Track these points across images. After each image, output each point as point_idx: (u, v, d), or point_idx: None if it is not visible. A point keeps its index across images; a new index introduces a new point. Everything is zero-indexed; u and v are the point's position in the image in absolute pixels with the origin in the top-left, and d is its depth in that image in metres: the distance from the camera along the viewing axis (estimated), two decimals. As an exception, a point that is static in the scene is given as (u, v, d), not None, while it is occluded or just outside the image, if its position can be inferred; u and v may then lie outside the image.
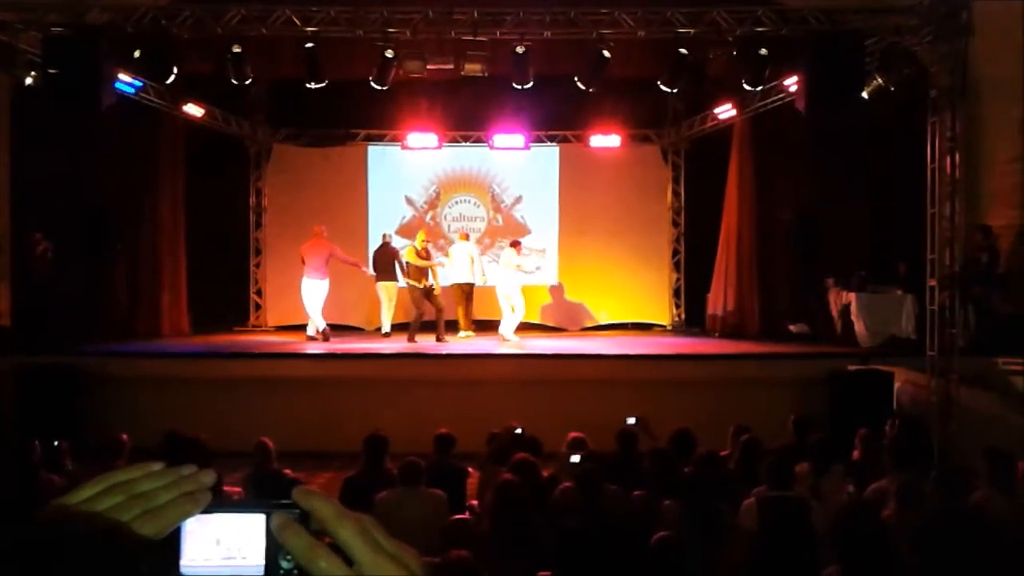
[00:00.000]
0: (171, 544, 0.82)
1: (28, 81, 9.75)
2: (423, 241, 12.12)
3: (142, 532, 0.80)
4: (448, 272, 12.63)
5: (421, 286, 11.87)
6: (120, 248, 12.49)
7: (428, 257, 12.11)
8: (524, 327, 12.62)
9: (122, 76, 10.04)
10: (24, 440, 5.75)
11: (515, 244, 12.67)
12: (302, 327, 12.73)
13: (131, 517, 0.80)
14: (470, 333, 12.49)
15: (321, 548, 0.80)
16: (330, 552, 0.79)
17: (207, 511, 0.83)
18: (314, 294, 12.12)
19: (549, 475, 5.88)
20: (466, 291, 12.54)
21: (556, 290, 14.63)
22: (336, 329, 12.64)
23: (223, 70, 9.71)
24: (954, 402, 8.80)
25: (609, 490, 5.16)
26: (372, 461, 5.89)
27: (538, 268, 13.65)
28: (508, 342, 11.98)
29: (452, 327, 12.40)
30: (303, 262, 12.11)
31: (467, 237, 13.11)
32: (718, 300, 13.31)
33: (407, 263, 11.94)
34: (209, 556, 0.82)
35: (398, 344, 11.77)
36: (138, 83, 10.73)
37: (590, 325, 14.50)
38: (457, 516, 4.69)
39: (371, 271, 12.63)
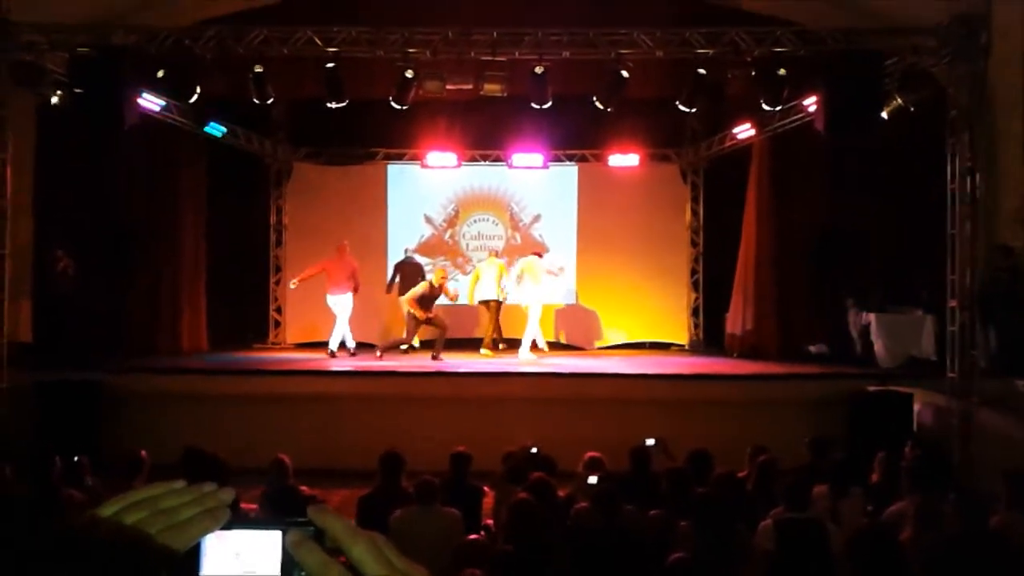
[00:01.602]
0: (192, 558, 0.85)
1: (54, 100, 9.90)
2: (441, 278, 12.12)
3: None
4: (478, 289, 12.73)
5: (423, 316, 11.87)
6: (141, 265, 12.61)
7: (439, 294, 12.10)
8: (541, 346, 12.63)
9: (146, 95, 10.18)
10: (45, 455, 5.79)
11: (536, 254, 12.77)
12: (321, 344, 12.79)
13: (155, 531, 0.83)
14: (488, 352, 12.53)
15: (334, 564, 0.82)
16: (343, 569, 0.82)
17: (226, 527, 0.86)
18: (338, 308, 12.23)
19: (566, 495, 5.87)
20: (492, 308, 12.61)
21: (574, 309, 14.63)
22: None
23: (245, 90, 9.81)
24: (974, 424, 8.72)
25: (625, 510, 5.15)
26: (388, 479, 5.90)
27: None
28: (530, 361, 12.02)
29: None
30: (328, 277, 12.18)
31: (496, 255, 13.19)
32: (736, 320, 13.26)
33: (423, 294, 11.91)
34: (227, 570, 0.85)
35: (417, 361, 11.81)
36: (162, 102, 10.86)
37: (607, 344, 14.48)
38: (471, 536, 4.68)
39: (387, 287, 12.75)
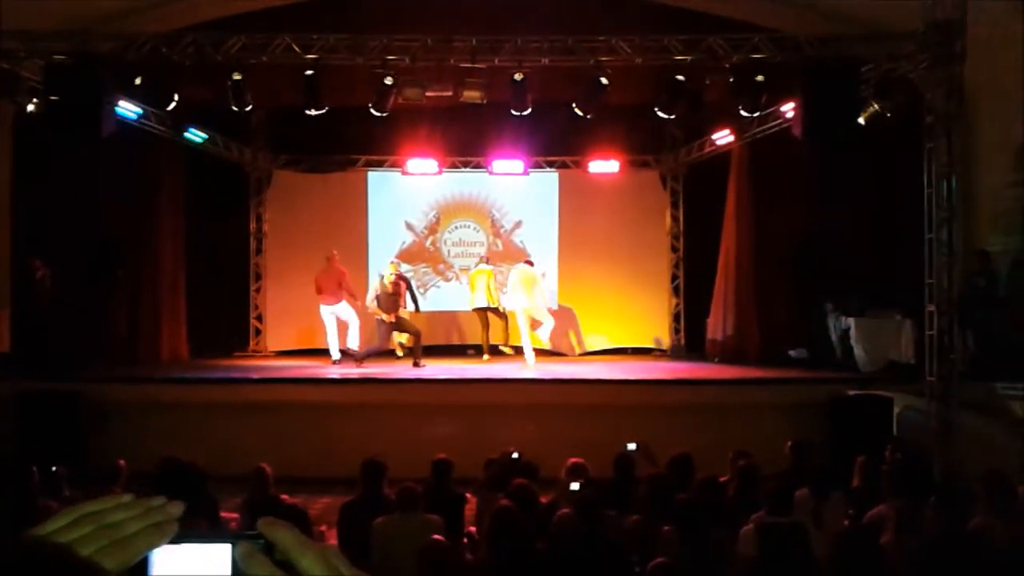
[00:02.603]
0: (139, 574, 0.84)
1: (30, 108, 9.82)
2: (392, 275, 12.05)
3: (110, 562, 0.82)
4: (471, 297, 12.79)
5: (388, 319, 11.79)
6: (120, 273, 12.52)
7: (398, 290, 12.02)
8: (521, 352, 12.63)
9: (123, 103, 10.11)
10: (23, 466, 5.73)
11: (528, 263, 12.81)
12: (302, 352, 12.76)
13: (99, 547, 0.82)
14: (488, 358, 12.58)
15: None
16: None
17: (174, 541, 0.85)
18: (330, 319, 12.23)
19: (548, 501, 5.87)
20: (483, 316, 12.63)
21: (555, 315, 14.59)
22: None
23: (224, 97, 9.77)
24: (954, 427, 8.79)
25: (608, 516, 5.15)
26: (369, 487, 5.87)
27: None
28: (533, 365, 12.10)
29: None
30: (318, 291, 12.16)
31: (486, 261, 13.25)
32: (717, 325, 13.31)
33: (377, 295, 11.85)
34: None
35: (399, 368, 11.79)
36: (139, 110, 10.80)
37: (589, 350, 14.50)
38: (436, 536, 4.66)
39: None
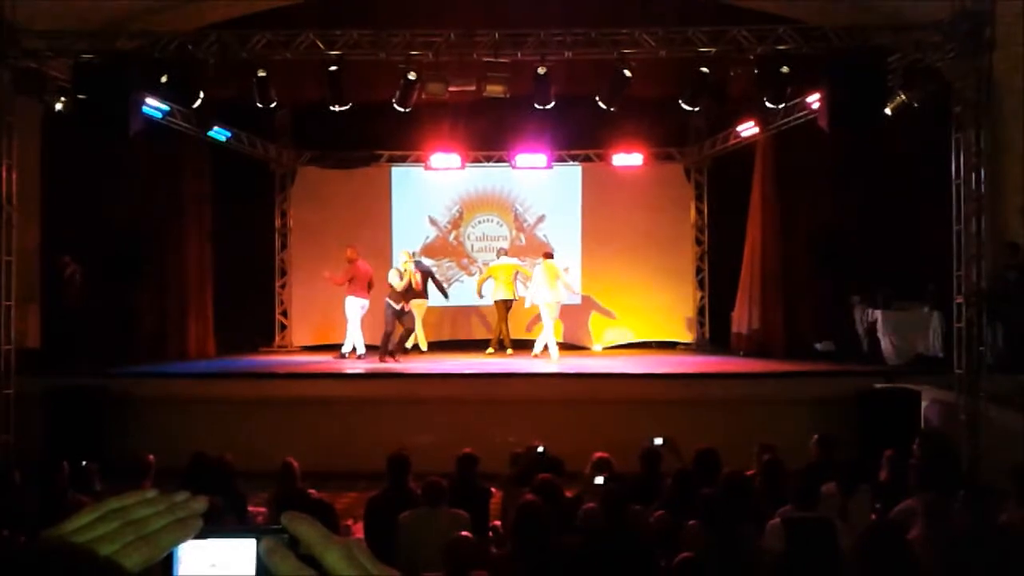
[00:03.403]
0: (165, 569, 0.85)
1: (58, 107, 9.92)
2: (407, 263, 12.19)
3: (136, 557, 0.82)
4: (495, 289, 12.91)
5: (398, 307, 11.95)
6: (148, 270, 12.64)
7: (410, 281, 12.14)
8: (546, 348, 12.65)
9: (149, 101, 10.20)
10: (53, 461, 5.81)
11: (549, 255, 12.79)
12: (328, 347, 12.83)
13: (124, 543, 0.83)
14: (492, 351, 12.61)
15: (307, 571, 0.82)
16: (316, 575, 0.82)
17: (200, 537, 0.86)
18: (358, 313, 12.35)
19: (573, 496, 5.87)
20: (503, 309, 12.74)
21: (579, 309, 14.62)
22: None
23: (248, 94, 9.82)
24: (982, 421, 8.70)
25: (632, 511, 5.14)
26: (395, 481, 5.90)
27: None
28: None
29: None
30: (351, 282, 12.29)
31: (506, 253, 13.33)
32: (742, 318, 13.24)
33: (390, 285, 12.06)
34: None
35: (423, 363, 11.84)
36: (165, 108, 10.88)
37: (613, 344, 14.47)
38: (464, 533, 4.67)
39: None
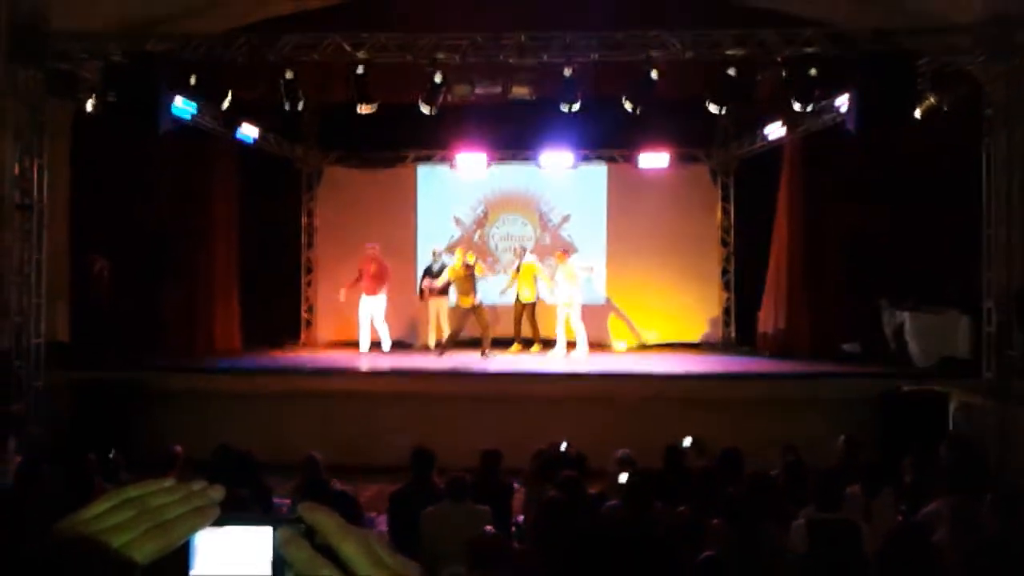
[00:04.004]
0: (182, 557, 0.85)
1: (89, 107, 10.07)
2: (472, 257, 12.30)
3: (152, 545, 0.83)
4: (520, 291, 13.00)
5: (468, 305, 11.99)
6: (175, 267, 12.77)
7: (472, 275, 12.23)
8: (571, 345, 12.65)
9: (178, 101, 10.31)
10: (81, 452, 5.89)
11: (564, 253, 12.82)
12: (352, 344, 12.92)
13: (141, 531, 0.83)
14: (518, 347, 12.79)
15: (322, 561, 0.82)
16: (331, 565, 0.82)
17: (216, 525, 0.86)
18: (363, 310, 12.62)
19: (596, 493, 5.87)
20: (525, 308, 12.87)
21: (604, 309, 14.59)
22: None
23: (276, 95, 9.91)
24: (1011, 425, 8.60)
25: (656, 508, 5.14)
26: (419, 475, 5.93)
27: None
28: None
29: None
30: (378, 279, 12.49)
31: (526, 253, 13.50)
32: (769, 319, 13.18)
33: (449, 280, 12.21)
34: (218, 569, 0.85)
35: (448, 359, 11.90)
36: (194, 108, 10.99)
37: (638, 344, 14.44)
38: (488, 528, 4.69)
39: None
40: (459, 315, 12.20)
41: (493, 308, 13.03)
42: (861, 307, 12.26)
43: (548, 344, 12.76)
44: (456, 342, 12.33)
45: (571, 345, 12.46)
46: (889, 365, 11.14)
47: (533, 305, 12.96)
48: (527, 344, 12.93)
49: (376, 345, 12.77)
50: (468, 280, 12.05)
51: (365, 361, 12.10)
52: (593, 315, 14.29)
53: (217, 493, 0.89)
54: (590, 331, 13.03)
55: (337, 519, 0.84)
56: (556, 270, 12.87)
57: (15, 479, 5.97)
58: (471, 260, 12.23)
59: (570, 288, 12.47)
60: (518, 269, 13.06)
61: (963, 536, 4.96)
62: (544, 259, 13.99)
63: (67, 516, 0.85)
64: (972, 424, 9.09)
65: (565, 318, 12.45)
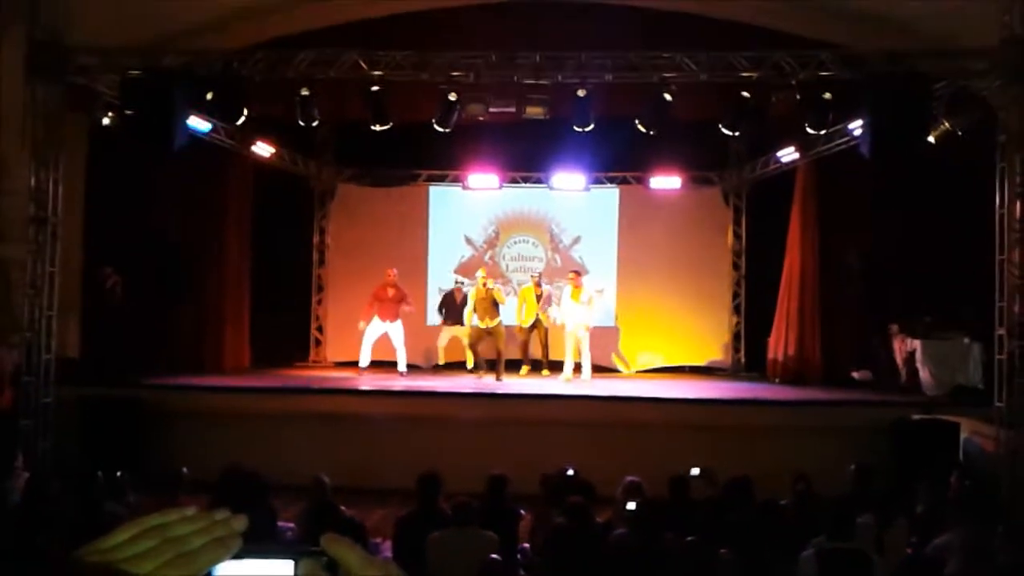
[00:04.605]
0: None
1: (105, 122, 10.14)
2: (491, 281, 12.42)
3: (174, 575, 0.83)
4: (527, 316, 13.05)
5: (486, 326, 12.10)
6: (187, 283, 12.80)
7: (492, 297, 12.27)
8: (579, 368, 12.60)
9: (194, 117, 10.37)
10: (88, 471, 5.88)
11: (575, 275, 12.83)
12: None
13: (163, 561, 0.83)
14: (525, 371, 12.80)
15: None
16: None
17: (238, 556, 0.85)
18: (369, 331, 12.61)
19: (604, 521, 5.82)
20: (529, 332, 12.95)
21: (613, 332, 14.56)
22: (388, 365, 12.93)
23: (291, 112, 9.95)
24: (1023, 454, 8.51)
25: (665, 537, 5.09)
26: (426, 500, 5.89)
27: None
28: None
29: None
30: (396, 304, 12.51)
31: (531, 276, 13.58)
32: (779, 345, 13.10)
33: (474, 304, 12.22)
34: None
35: (455, 381, 11.87)
36: (209, 124, 11.05)
37: (647, 368, 14.38)
38: (494, 556, 4.65)
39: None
40: (476, 335, 12.19)
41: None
42: (872, 333, 12.19)
43: (555, 367, 12.75)
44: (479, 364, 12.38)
45: (577, 368, 12.43)
46: (900, 393, 11.06)
47: (533, 327, 12.99)
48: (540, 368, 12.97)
49: (379, 365, 12.76)
50: (488, 302, 12.05)
51: (366, 380, 12.12)
52: (603, 337, 14.28)
53: (239, 523, 0.88)
54: (600, 354, 13.01)
55: (359, 551, 0.84)
56: (563, 292, 12.85)
57: (23, 496, 5.97)
58: (491, 284, 12.30)
59: (580, 311, 12.42)
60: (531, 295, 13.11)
61: (975, 567, 4.91)
62: (554, 281, 14.02)
63: (87, 544, 0.85)
64: (984, 453, 9.01)
65: (575, 341, 12.41)
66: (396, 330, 12.52)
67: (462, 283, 13.54)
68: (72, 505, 5.62)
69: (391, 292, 12.52)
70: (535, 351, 13.14)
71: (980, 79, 8.94)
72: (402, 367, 12.67)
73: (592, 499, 6.02)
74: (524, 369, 12.93)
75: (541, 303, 13.00)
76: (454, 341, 13.37)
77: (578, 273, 13.03)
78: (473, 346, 12.32)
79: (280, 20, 11.73)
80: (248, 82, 9.62)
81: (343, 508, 6.16)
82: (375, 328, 12.51)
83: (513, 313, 12.95)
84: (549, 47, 9.51)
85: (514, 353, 12.93)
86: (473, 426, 10.00)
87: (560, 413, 10.35)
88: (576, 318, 12.37)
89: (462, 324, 12.60)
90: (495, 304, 12.15)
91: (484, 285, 12.23)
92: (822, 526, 5.26)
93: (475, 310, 12.16)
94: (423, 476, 5.97)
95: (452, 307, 13.30)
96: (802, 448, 9.11)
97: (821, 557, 4.87)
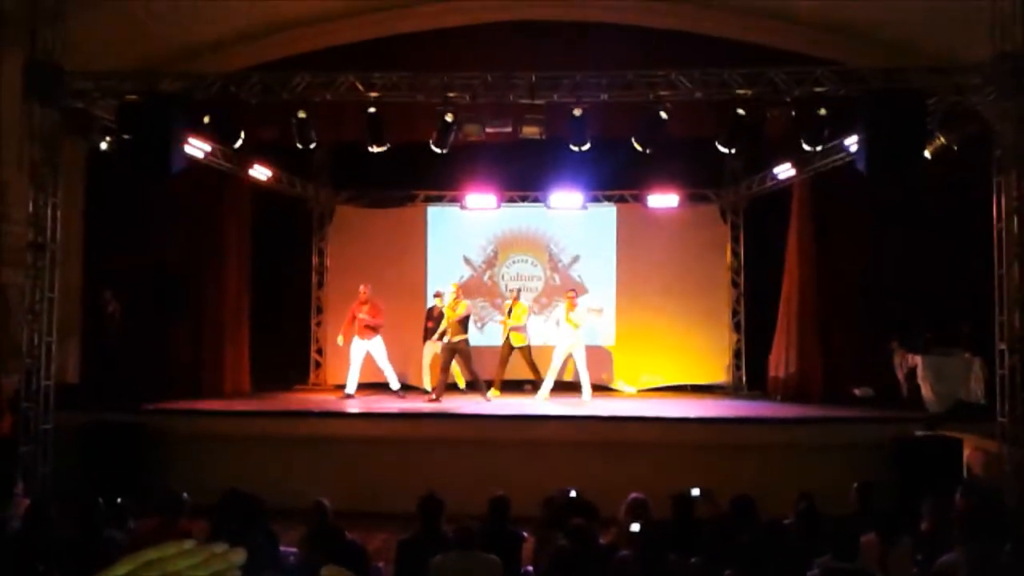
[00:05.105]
0: None
1: (103, 146, 10.15)
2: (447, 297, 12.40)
3: None
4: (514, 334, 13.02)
5: (447, 340, 12.14)
6: (186, 307, 12.78)
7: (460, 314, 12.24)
8: (579, 388, 12.56)
9: (192, 140, 10.38)
10: (89, 497, 5.84)
11: (571, 293, 12.81)
12: (361, 386, 12.84)
13: None
14: (496, 393, 12.78)
15: None
16: None
17: None
18: (354, 352, 12.59)
19: (608, 542, 5.78)
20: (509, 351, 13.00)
21: (613, 351, 14.55)
22: (374, 387, 12.97)
23: (288, 134, 9.97)
24: (1027, 470, 8.48)
25: (669, 559, 5.05)
26: (427, 523, 5.85)
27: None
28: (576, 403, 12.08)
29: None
30: (379, 323, 12.44)
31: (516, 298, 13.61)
32: (779, 362, 13.07)
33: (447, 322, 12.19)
34: None
35: (457, 403, 11.83)
36: (206, 147, 11.07)
37: (648, 387, 14.35)
38: None
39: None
40: (447, 352, 12.21)
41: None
42: (873, 350, 12.17)
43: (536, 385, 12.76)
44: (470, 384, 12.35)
45: (575, 388, 12.41)
46: (902, 409, 11.03)
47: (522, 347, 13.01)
48: (533, 384, 12.98)
49: (376, 387, 12.69)
50: (454, 318, 12.08)
51: (350, 404, 12.09)
52: (603, 356, 14.28)
53: (238, 557, 0.88)
54: (599, 373, 12.98)
55: None
56: (556, 311, 12.84)
57: (23, 522, 5.93)
58: (448, 300, 12.28)
59: (572, 330, 12.39)
60: (509, 312, 13.08)
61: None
62: (554, 300, 14.03)
63: (81, 566, 0.84)
64: (987, 470, 8.97)
65: (566, 360, 12.37)
66: (376, 347, 12.43)
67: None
68: (72, 532, 5.58)
69: (365, 309, 12.50)
70: (524, 371, 13.05)
71: (974, 94, 8.98)
72: (394, 385, 12.54)
73: (595, 520, 5.98)
74: (492, 392, 12.73)
75: (512, 318, 12.97)
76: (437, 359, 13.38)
77: (575, 292, 13.02)
78: (445, 365, 12.27)
79: (276, 43, 11.80)
80: (245, 105, 9.64)
81: (345, 532, 6.12)
82: (357, 349, 12.49)
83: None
84: (545, 67, 9.55)
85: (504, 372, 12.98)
86: (475, 447, 9.96)
87: (562, 433, 10.31)
88: (569, 337, 12.34)
89: (441, 340, 12.59)
90: (460, 321, 12.09)
91: (452, 301, 12.22)
92: (826, 545, 5.23)
93: (448, 327, 12.14)
94: (425, 499, 5.93)
95: (434, 324, 13.25)
96: (804, 466, 9.09)
97: (826, 577, 4.83)
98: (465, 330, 12.19)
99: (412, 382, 13.69)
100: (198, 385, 12.58)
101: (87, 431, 9.86)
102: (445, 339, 12.15)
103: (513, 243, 14.94)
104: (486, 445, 10.00)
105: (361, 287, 12.59)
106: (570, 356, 12.43)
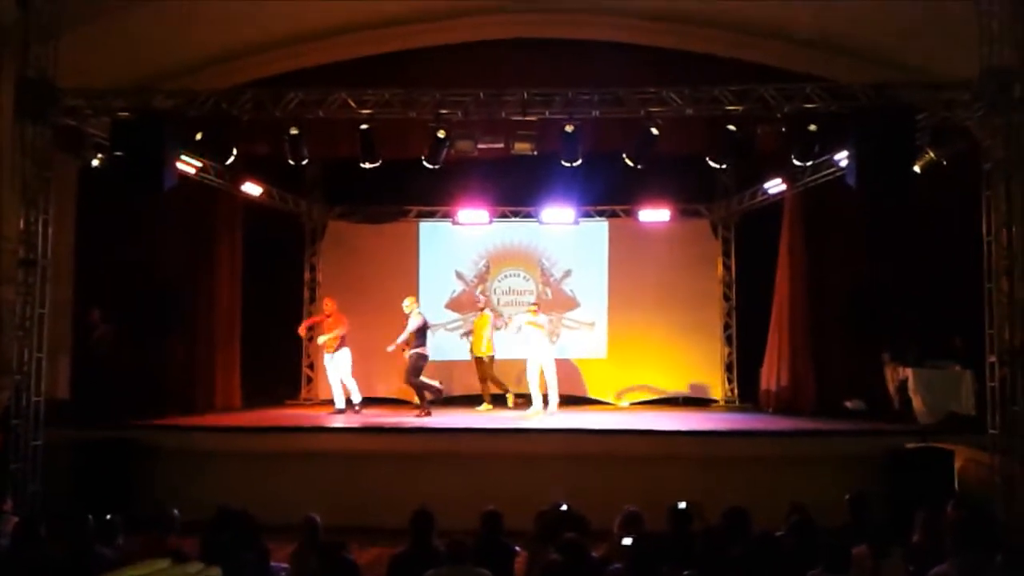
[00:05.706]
0: None
1: (95, 163, 10.16)
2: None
3: None
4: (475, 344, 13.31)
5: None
6: (177, 322, 12.75)
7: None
8: (572, 401, 12.58)
9: (184, 157, 10.39)
10: (79, 513, 5.81)
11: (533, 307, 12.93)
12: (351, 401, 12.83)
13: None
14: (488, 407, 12.93)
15: None
16: None
17: None
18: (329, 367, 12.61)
19: (600, 556, 5.77)
20: (482, 363, 13.20)
21: (605, 364, 14.56)
22: (369, 402, 12.95)
23: (281, 151, 9.99)
24: (1019, 481, 8.50)
25: (662, 572, 5.05)
26: (419, 538, 5.83)
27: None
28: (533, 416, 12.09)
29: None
30: (344, 333, 12.45)
31: (482, 308, 13.93)
32: (771, 375, 13.10)
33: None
34: None
35: (447, 417, 11.82)
36: (198, 164, 11.08)
37: (639, 400, 14.36)
38: None
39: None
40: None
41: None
42: (864, 363, 12.20)
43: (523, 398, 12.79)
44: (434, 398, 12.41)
45: (544, 400, 12.42)
46: (893, 422, 11.06)
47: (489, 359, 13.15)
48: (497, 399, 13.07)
49: (373, 402, 12.72)
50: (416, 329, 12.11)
51: (343, 419, 12.06)
52: (595, 369, 14.30)
53: (213, 573, 0.88)
54: (594, 385, 12.97)
55: None
56: (522, 323, 12.85)
57: (12, 540, 5.89)
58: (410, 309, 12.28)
59: (538, 333, 12.42)
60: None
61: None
62: (550, 313, 14.07)
63: None
64: (979, 482, 8.99)
65: (539, 372, 12.39)
66: (341, 360, 12.42)
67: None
68: (62, 549, 5.55)
69: (328, 322, 12.48)
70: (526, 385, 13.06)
71: (963, 110, 9.05)
72: (355, 398, 12.47)
73: (586, 534, 5.97)
74: (484, 405, 12.80)
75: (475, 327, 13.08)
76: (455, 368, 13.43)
77: (538, 305, 13.07)
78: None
79: (269, 60, 11.84)
80: (237, 122, 9.66)
81: (336, 547, 6.09)
82: (328, 364, 12.54)
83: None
84: (536, 84, 9.60)
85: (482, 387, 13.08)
86: (466, 461, 9.94)
87: (553, 447, 10.30)
88: (537, 345, 12.36)
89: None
90: (417, 331, 12.09)
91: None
92: (818, 557, 5.23)
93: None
94: (416, 513, 5.91)
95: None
96: (796, 479, 9.09)
97: (818, 589, 4.84)
98: (422, 342, 12.17)
99: (405, 397, 13.67)
100: (189, 401, 12.54)
101: (78, 447, 9.82)
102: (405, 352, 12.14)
103: (505, 258, 14.99)
104: (477, 459, 9.98)
105: (324, 301, 12.63)
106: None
